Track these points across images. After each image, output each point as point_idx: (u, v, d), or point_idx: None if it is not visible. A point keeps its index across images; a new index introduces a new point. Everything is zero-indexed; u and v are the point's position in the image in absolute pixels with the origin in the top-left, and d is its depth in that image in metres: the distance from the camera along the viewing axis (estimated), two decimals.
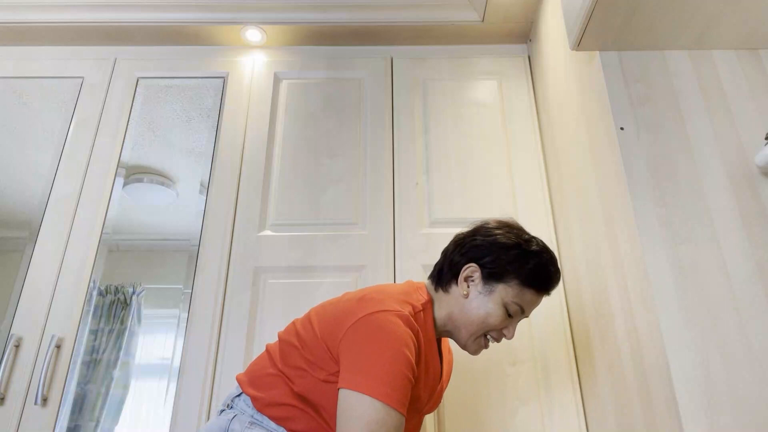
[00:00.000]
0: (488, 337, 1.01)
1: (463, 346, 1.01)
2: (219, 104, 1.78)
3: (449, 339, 1.19)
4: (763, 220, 1.04)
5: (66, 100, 1.77)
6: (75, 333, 1.44)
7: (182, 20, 1.79)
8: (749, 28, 1.17)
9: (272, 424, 0.94)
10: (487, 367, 1.41)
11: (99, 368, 1.53)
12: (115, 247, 1.62)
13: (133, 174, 1.73)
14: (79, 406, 1.46)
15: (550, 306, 1.48)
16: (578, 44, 1.20)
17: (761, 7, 1.12)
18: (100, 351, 1.56)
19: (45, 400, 1.36)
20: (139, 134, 1.75)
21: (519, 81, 1.81)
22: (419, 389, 0.95)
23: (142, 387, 1.62)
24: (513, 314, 0.98)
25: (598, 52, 1.22)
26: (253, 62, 1.85)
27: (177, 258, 1.61)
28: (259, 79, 1.81)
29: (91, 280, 1.52)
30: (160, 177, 1.77)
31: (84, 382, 1.48)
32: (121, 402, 1.53)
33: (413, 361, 0.86)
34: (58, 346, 1.41)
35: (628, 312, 1.10)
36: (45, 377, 1.36)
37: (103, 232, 1.57)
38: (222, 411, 1.02)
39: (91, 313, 1.52)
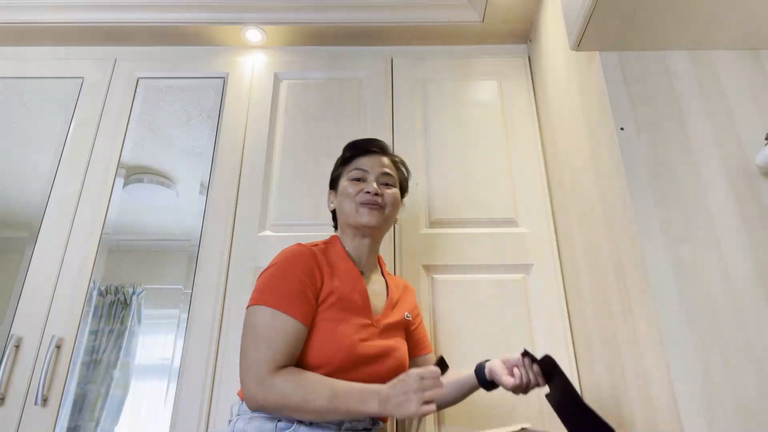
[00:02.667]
0: (361, 203, 1.17)
1: (358, 222, 1.17)
2: (219, 104, 1.78)
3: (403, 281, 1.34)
4: (763, 221, 1.04)
5: (66, 100, 1.77)
6: (75, 333, 1.44)
7: (182, 20, 1.79)
8: (749, 28, 1.17)
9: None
10: None
11: (99, 368, 1.53)
12: (115, 248, 1.62)
13: (133, 174, 1.73)
14: (79, 406, 1.46)
15: (550, 306, 1.48)
16: (578, 44, 1.20)
17: (761, 7, 1.12)
18: (100, 351, 1.56)
19: (45, 401, 1.36)
20: (139, 134, 1.75)
21: (519, 81, 1.81)
22: (333, 285, 1.07)
23: (142, 387, 1.62)
24: (360, 178, 1.19)
25: (598, 52, 1.22)
26: (253, 62, 1.85)
27: (177, 258, 1.61)
28: (259, 80, 1.81)
29: (91, 281, 1.52)
30: (160, 177, 1.77)
31: (84, 383, 1.48)
32: (121, 402, 1.53)
33: (312, 269, 1.05)
34: (58, 347, 1.41)
35: (628, 312, 1.10)
36: (45, 377, 1.36)
37: (103, 232, 1.57)
38: (229, 421, 1.05)
39: (91, 313, 1.52)
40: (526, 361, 1.03)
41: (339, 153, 1.69)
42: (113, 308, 1.67)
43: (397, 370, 1.07)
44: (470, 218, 1.60)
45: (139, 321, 1.69)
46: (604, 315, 1.23)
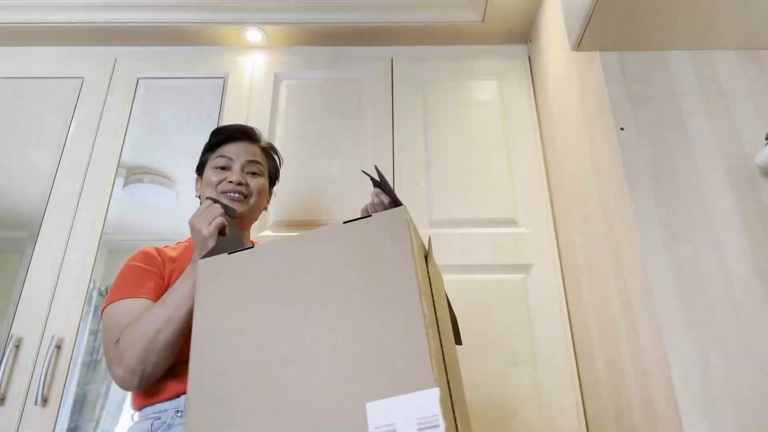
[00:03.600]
0: (223, 192, 1.12)
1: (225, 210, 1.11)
2: (219, 104, 1.78)
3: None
4: (763, 220, 1.04)
5: (66, 100, 1.77)
6: (75, 333, 1.44)
7: (182, 20, 1.79)
8: (749, 28, 1.17)
9: None
10: (487, 368, 1.41)
11: (99, 369, 1.53)
12: (116, 248, 1.62)
13: (134, 174, 1.73)
14: (80, 406, 1.47)
15: (550, 306, 1.48)
16: (578, 44, 1.20)
17: (761, 7, 1.12)
18: (100, 351, 1.56)
19: (45, 401, 1.36)
20: (140, 134, 1.75)
21: (519, 81, 1.81)
22: (174, 266, 1.07)
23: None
24: (225, 167, 1.14)
25: (598, 52, 1.22)
26: (254, 62, 1.85)
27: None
28: (259, 80, 1.81)
29: (92, 281, 1.51)
30: (160, 177, 1.77)
31: (84, 383, 1.48)
32: (121, 402, 1.53)
33: (140, 257, 1.05)
34: (59, 347, 1.41)
35: (628, 312, 1.10)
36: (45, 378, 1.36)
37: (104, 232, 1.57)
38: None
39: (91, 313, 1.52)
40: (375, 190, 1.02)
41: (339, 153, 1.70)
42: None
43: None
44: (470, 218, 1.60)
45: None
46: (604, 315, 1.23)
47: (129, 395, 1.02)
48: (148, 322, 0.91)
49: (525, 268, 1.53)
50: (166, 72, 1.84)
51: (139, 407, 0.98)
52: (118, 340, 0.92)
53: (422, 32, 1.83)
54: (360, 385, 0.61)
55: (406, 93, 1.79)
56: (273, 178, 1.26)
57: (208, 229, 0.91)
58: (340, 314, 0.66)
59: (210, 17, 1.79)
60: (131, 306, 0.96)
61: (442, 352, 0.67)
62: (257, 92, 1.79)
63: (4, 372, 1.37)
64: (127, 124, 1.73)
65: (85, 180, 1.63)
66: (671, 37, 1.19)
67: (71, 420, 1.42)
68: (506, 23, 1.79)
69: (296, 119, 1.75)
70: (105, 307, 0.99)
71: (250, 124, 1.73)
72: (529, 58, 1.85)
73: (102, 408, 1.51)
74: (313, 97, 1.79)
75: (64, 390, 1.38)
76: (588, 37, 1.18)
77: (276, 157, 1.28)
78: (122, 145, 1.70)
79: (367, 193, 1.63)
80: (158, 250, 1.09)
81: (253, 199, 1.14)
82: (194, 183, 1.24)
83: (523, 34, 1.84)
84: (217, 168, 1.14)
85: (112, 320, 0.96)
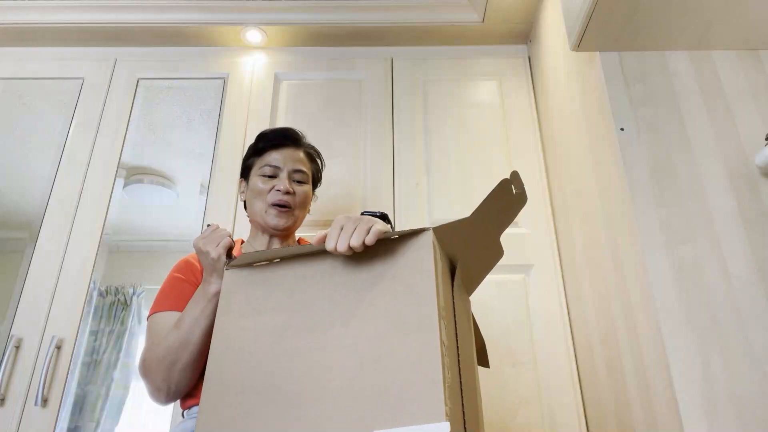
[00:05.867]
0: (272, 204, 1.14)
1: (267, 223, 1.14)
2: (219, 105, 1.78)
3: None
4: (764, 221, 1.04)
5: (66, 100, 1.77)
6: (75, 334, 1.44)
7: (183, 21, 1.80)
8: (749, 28, 1.17)
9: None
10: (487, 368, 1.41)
11: (99, 369, 1.53)
12: (116, 248, 1.62)
13: (134, 175, 1.73)
14: (80, 407, 1.47)
15: (550, 307, 1.48)
16: (578, 45, 1.20)
17: (761, 7, 1.12)
18: (101, 352, 1.56)
19: (45, 401, 1.36)
20: (140, 135, 1.75)
21: (519, 81, 1.81)
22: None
23: (142, 388, 1.62)
24: (271, 174, 1.15)
25: (598, 52, 1.22)
26: (254, 63, 1.85)
27: (177, 259, 1.61)
28: (259, 80, 1.81)
29: (92, 281, 1.51)
30: (160, 178, 1.77)
31: (84, 383, 1.48)
32: (122, 403, 1.53)
33: (183, 268, 1.08)
34: (59, 347, 1.41)
35: (628, 312, 1.10)
36: (45, 378, 1.36)
37: (104, 232, 1.57)
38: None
39: (91, 313, 1.52)
40: None
41: (340, 154, 1.70)
42: (113, 309, 1.67)
43: None
44: None
45: (140, 321, 1.70)
46: (604, 315, 1.23)
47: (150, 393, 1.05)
48: (165, 346, 0.93)
49: (525, 268, 1.53)
50: (166, 72, 1.84)
51: (187, 406, 0.99)
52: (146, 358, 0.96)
53: (422, 32, 1.83)
54: (369, 412, 0.59)
55: (406, 93, 1.79)
56: (316, 181, 1.28)
57: (216, 250, 0.91)
58: (357, 336, 0.64)
59: (210, 18, 1.79)
60: (169, 320, 0.98)
61: (460, 381, 0.64)
62: (257, 93, 1.79)
63: (4, 372, 1.37)
64: (127, 125, 1.74)
65: (85, 180, 1.63)
66: (671, 38, 1.19)
67: (71, 420, 1.42)
68: (506, 23, 1.79)
69: (296, 119, 1.75)
70: (150, 315, 1.03)
71: (250, 124, 1.73)
72: (529, 58, 1.85)
73: (102, 408, 1.51)
74: (313, 98, 1.79)
75: (64, 390, 1.38)
76: (588, 37, 1.18)
77: (318, 161, 1.30)
78: (122, 146, 1.70)
79: (367, 193, 1.63)
80: (195, 260, 1.10)
81: (297, 211, 1.17)
82: (238, 185, 1.29)
83: (523, 34, 1.84)
84: (264, 176, 1.16)
85: (150, 331, 1.00)
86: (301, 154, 1.21)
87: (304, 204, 1.18)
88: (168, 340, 0.93)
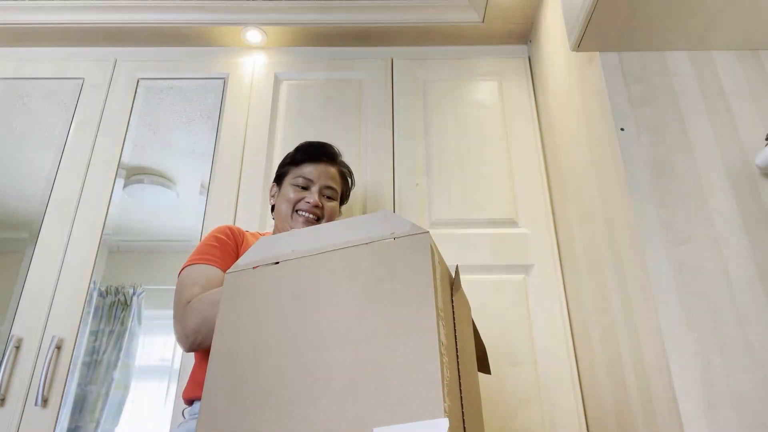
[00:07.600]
0: (299, 212, 1.21)
1: (291, 228, 1.19)
2: (219, 105, 1.78)
3: None
4: (764, 221, 1.04)
5: (67, 101, 1.77)
6: (75, 334, 1.44)
7: (183, 21, 1.80)
8: (749, 28, 1.17)
9: None
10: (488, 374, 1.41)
11: (99, 369, 1.53)
12: (116, 248, 1.62)
13: (134, 175, 1.73)
14: (80, 407, 1.47)
15: (550, 307, 1.48)
16: (578, 45, 1.20)
17: (761, 7, 1.12)
18: (101, 352, 1.56)
19: (45, 401, 1.36)
20: (140, 135, 1.76)
21: (519, 82, 1.81)
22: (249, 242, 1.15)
23: (142, 388, 1.63)
24: (304, 186, 1.23)
25: (598, 52, 1.22)
26: (254, 63, 1.85)
27: (177, 259, 1.60)
28: (259, 80, 1.81)
29: (92, 281, 1.52)
30: (160, 178, 1.77)
31: (84, 383, 1.48)
32: (122, 403, 1.53)
33: (226, 232, 1.12)
34: (59, 347, 1.41)
35: (628, 312, 1.10)
36: (45, 378, 1.36)
37: (104, 232, 1.57)
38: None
39: (91, 314, 1.52)
40: None
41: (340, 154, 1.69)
42: (113, 309, 1.68)
43: None
44: (470, 218, 1.60)
45: (140, 322, 1.70)
46: (604, 315, 1.23)
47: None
48: (208, 300, 0.95)
49: (525, 268, 1.53)
50: (166, 73, 1.84)
51: (190, 401, 1.00)
52: (188, 302, 0.97)
53: (422, 32, 1.83)
54: (368, 410, 0.60)
55: (406, 93, 1.79)
56: (343, 198, 1.33)
57: None
58: (356, 336, 0.65)
59: (210, 18, 1.79)
60: (205, 272, 1.02)
61: (459, 382, 0.65)
62: (257, 93, 1.79)
63: (4, 372, 1.37)
64: (128, 125, 1.74)
65: (85, 180, 1.63)
66: (671, 38, 1.19)
67: (71, 420, 1.42)
68: (506, 23, 1.79)
69: (296, 120, 1.75)
70: (183, 267, 1.05)
71: (250, 124, 1.73)
72: (529, 58, 1.85)
73: (102, 409, 1.51)
74: (313, 98, 1.79)
75: (64, 390, 1.38)
76: (588, 37, 1.18)
77: (349, 180, 1.36)
78: (122, 146, 1.70)
79: (367, 192, 1.63)
80: (241, 231, 1.16)
81: (324, 222, 1.22)
82: (269, 188, 1.36)
83: (523, 35, 1.84)
84: (296, 186, 1.22)
85: (186, 280, 1.02)
86: (335, 172, 1.27)
87: (330, 219, 1.23)
88: (210, 296, 0.95)
